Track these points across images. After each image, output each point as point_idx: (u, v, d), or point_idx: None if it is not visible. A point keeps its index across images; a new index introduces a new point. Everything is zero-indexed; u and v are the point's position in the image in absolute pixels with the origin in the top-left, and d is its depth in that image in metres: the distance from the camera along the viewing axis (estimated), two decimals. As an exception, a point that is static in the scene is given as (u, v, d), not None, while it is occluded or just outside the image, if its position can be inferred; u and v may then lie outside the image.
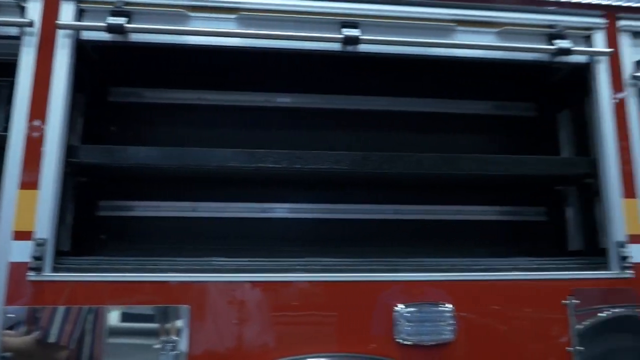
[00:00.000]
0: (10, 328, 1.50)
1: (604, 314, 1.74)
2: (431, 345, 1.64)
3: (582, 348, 1.70)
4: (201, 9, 1.81)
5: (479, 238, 2.36)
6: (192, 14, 1.80)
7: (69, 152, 1.68)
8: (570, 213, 2.23)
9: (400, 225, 2.30)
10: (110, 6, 1.74)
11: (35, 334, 1.51)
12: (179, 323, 1.56)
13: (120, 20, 1.71)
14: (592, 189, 1.98)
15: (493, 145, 2.47)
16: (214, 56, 1.89)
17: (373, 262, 1.73)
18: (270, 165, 1.79)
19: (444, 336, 1.64)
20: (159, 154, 1.80)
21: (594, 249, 1.97)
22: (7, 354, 1.48)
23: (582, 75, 2.00)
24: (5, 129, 1.65)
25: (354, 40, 1.81)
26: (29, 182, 1.60)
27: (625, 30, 2.01)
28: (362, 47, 1.85)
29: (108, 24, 1.70)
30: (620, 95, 1.93)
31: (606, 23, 2.00)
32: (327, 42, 1.82)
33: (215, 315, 1.59)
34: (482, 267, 1.75)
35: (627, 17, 2.02)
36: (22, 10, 1.71)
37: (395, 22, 1.89)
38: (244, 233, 2.16)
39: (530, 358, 1.72)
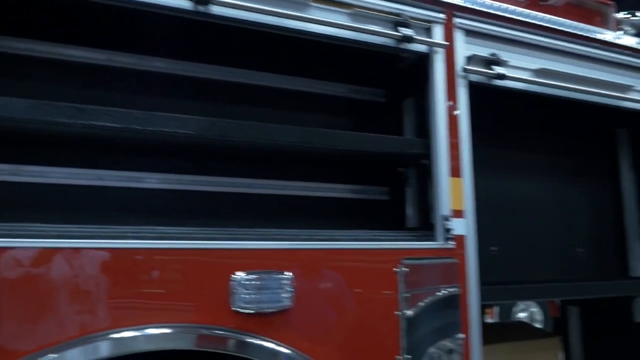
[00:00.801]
0: None
1: (429, 281, 1.91)
2: (269, 313, 1.63)
3: (408, 311, 1.84)
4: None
5: (327, 214, 2.45)
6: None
7: None
8: (409, 193, 2.41)
9: (252, 199, 2.28)
10: None
11: None
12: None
13: None
14: (427, 170, 2.16)
15: (346, 128, 2.56)
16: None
17: (212, 230, 1.68)
18: (105, 124, 1.64)
19: (281, 303, 1.65)
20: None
21: (427, 224, 2.15)
22: None
23: (424, 64, 2.18)
24: None
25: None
26: None
27: (459, 27, 2.23)
28: (215, 10, 1.78)
29: None
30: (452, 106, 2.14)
31: (444, 18, 2.20)
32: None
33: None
34: (322, 237, 1.81)
35: (462, 16, 2.24)
36: None
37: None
38: (74, 201, 1.96)
39: (364, 320, 1.81)
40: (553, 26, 2.44)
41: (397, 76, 2.47)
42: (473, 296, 1.99)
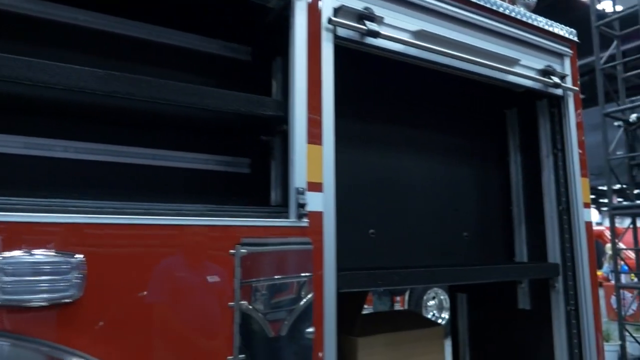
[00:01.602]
0: None
1: (274, 265, 1.60)
2: (42, 307, 1.25)
3: (245, 302, 1.52)
4: None
5: (185, 188, 2.08)
6: None
7: None
8: (274, 165, 2.09)
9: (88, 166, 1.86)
10: None
11: None
12: None
13: None
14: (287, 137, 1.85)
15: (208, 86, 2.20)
16: None
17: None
18: None
19: (62, 294, 1.26)
20: None
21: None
22: None
23: (287, 15, 1.86)
24: None
25: None
26: None
27: (329, -26, 1.93)
28: None
29: None
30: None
31: (310, -35, 1.89)
32: None
33: None
34: (127, 210, 1.43)
35: (333, -39, 1.95)
36: None
37: None
38: None
39: (188, 315, 1.47)
40: (437, -14, 2.22)
41: (264, 31, 2.14)
42: (329, 283, 1.71)
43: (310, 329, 1.63)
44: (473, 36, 2.34)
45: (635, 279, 8.63)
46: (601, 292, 5.55)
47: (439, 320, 10.21)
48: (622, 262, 7.64)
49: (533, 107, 2.87)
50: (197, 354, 1.46)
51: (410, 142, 2.66)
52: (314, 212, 1.71)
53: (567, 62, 2.76)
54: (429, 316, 10.82)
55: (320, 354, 1.64)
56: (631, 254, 8.29)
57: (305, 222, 1.68)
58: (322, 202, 1.73)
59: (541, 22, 2.65)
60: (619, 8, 7.55)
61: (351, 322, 2.56)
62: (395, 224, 2.51)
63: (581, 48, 2.89)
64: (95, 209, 1.38)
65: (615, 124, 7.34)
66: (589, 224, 2.66)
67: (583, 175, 2.69)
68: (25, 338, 1.21)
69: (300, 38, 1.81)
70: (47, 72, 1.41)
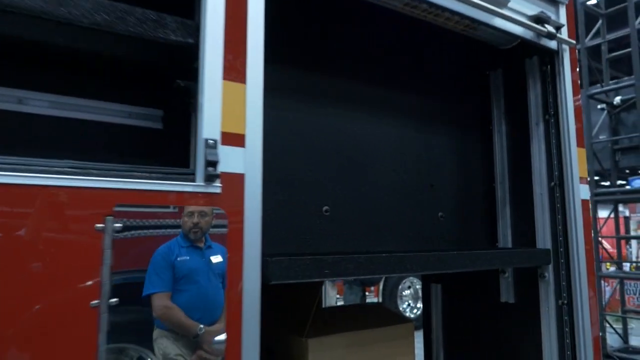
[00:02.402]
0: None
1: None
2: None
3: (115, 301, 1.03)
4: None
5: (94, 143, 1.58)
6: None
7: None
8: (194, 119, 1.60)
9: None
10: None
11: None
12: None
13: None
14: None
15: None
16: None
17: None
18: None
19: None
20: None
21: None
22: None
23: None
24: None
25: None
26: None
27: None
28: None
29: None
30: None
31: None
32: None
33: None
34: None
35: None
36: None
37: None
38: None
39: (33, 315, 0.98)
40: None
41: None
42: (251, 273, 1.23)
43: (220, 337, 1.15)
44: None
45: (611, 268, 8.42)
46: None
47: (415, 311, 9.90)
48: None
49: (521, 67, 2.43)
50: (40, 377, 0.98)
51: (377, 103, 2.19)
52: (231, 174, 1.23)
53: (563, 11, 2.32)
54: (404, 306, 10.51)
55: (234, 372, 1.17)
56: (606, 244, 8.07)
57: (216, 186, 1.20)
58: (243, 162, 1.25)
59: (534, -41, 2.20)
60: (605, -15, 7.19)
61: (302, 320, 2.11)
62: (356, 200, 2.05)
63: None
64: None
65: (599, 107, 7.02)
66: (585, 203, 2.24)
67: (579, 145, 2.27)
68: None
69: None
70: None
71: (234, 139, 1.24)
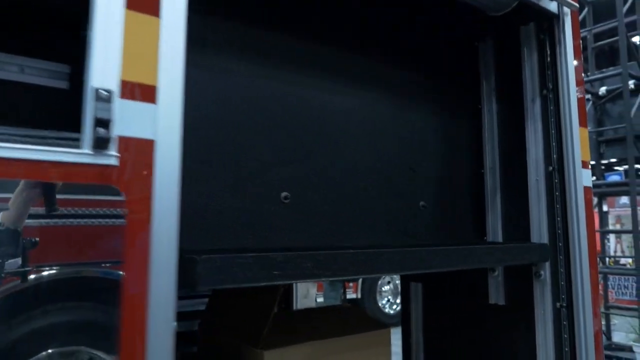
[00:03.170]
0: None
1: (16, 246, 0.76)
2: None
3: None
4: None
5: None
6: None
7: None
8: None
9: None
10: None
11: None
12: None
13: None
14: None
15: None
16: None
17: None
18: None
19: None
20: None
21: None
22: None
23: None
24: None
25: None
26: None
27: None
28: None
29: None
30: None
31: None
32: None
33: None
34: None
35: None
36: None
37: None
38: None
39: None
40: None
41: None
42: (163, 279, 0.88)
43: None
44: None
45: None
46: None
47: (394, 307, 9.68)
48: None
49: (515, 36, 2.13)
50: None
51: (349, 73, 1.85)
52: (135, 139, 0.87)
53: (563, -29, 2.01)
54: (384, 302, 10.28)
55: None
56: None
57: (110, 155, 0.85)
58: (153, 123, 0.90)
59: None
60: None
61: (259, 327, 1.78)
62: (322, 186, 1.71)
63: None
64: None
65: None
66: (588, 191, 1.94)
67: (582, 124, 1.97)
68: None
69: None
70: None
71: (141, 92, 0.89)
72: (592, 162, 6.51)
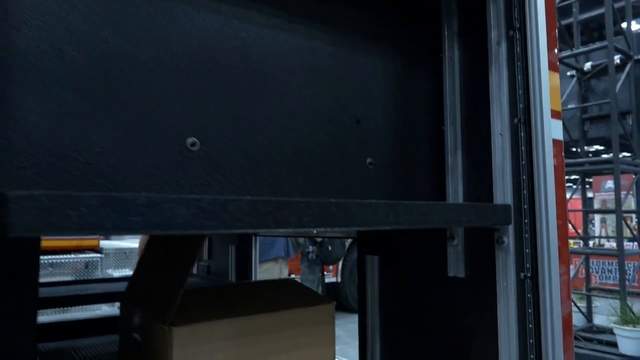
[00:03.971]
0: None
1: None
2: None
3: None
4: None
5: None
6: None
7: None
8: None
9: None
10: None
11: None
12: None
13: None
14: None
15: None
16: None
17: None
18: None
19: None
20: None
21: None
22: None
23: None
24: None
25: None
26: None
27: None
28: None
29: None
30: None
31: None
32: None
33: None
34: None
35: None
36: None
37: None
38: None
39: None
40: None
41: None
42: None
43: None
44: None
45: (575, 246, 8.14)
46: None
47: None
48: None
49: (480, -29, 1.85)
50: None
51: (284, 3, 1.56)
52: None
53: None
54: (364, 286, 10.04)
55: None
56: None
57: None
58: None
59: None
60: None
61: (169, 301, 1.51)
62: (242, 134, 1.43)
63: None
64: None
65: (568, 74, 6.58)
66: (558, 144, 1.69)
67: (552, 68, 1.71)
68: None
69: None
70: None
71: None
72: (576, 139, 6.30)
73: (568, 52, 6.22)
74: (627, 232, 6.65)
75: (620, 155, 5.39)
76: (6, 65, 1.04)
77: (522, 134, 1.69)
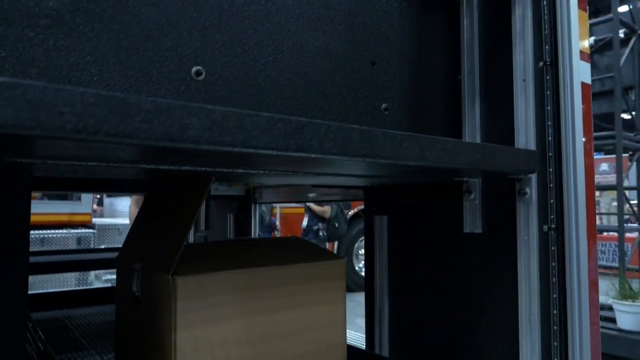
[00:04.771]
0: None
1: None
2: None
3: None
4: None
5: None
6: None
7: None
8: None
9: None
10: None
11: None
12: None
13: None
14: None
15: None
16: None
17: None
18: None
19: None
20: None
21: None
22: None
23: None
24: None
25: None
26: None
27: None
28: None
29: None
30: None
31: None
32: None
33: None
34: None
35: None
36: None
37: None
38: None
39: None
40: None
41: None
42: None
43: None
44: None
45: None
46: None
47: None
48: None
49: None
50: None
51: None
52: None
53: None
54: (360, 265, 10.08)
55: None
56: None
57: None
58: None
59: None
60: None
61: (170, 251, 1.40)
62: (249, 66, 1.31)
63: None
64: None
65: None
66: (587, 89, 1.59)
67: (581, 6, 1.59)
68: None
69: None
70: None
71: None
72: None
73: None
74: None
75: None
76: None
77: (548, 77, 1.58)
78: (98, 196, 11.77)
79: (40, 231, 6.62)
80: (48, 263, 2.85)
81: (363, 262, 9.18)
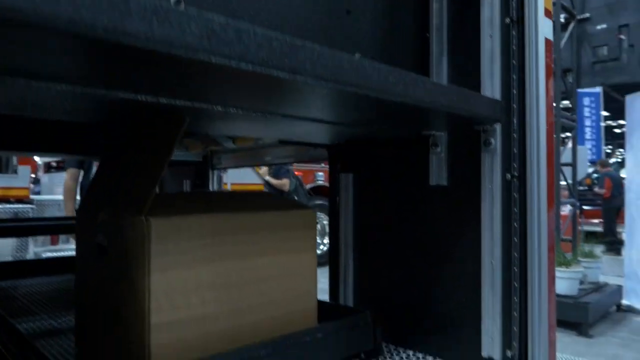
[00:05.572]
0: None
1: None
2: None
3: None
4: None
5: None
6: None
7: None
8: None
9: None
10: None
11: None
12: None
13: None
14: None
15: None
16: None
17: None
18: None
19: None
20: None
21: None
22: None
23: None
24: None
25: None
26: None
27: None
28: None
29: None
30: None
31: None
32: None
33: None
34: None
35: None
36: None
37: None
38: None
39: None
40: None
41: None
42: None
43: None
44: None
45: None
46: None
47: (321, 247, 9.56)
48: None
49: None
50: None
51: None
52: None
53: None
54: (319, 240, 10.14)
55: None
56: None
57: None
58: None
59: None
60: None
61: (142, 194, 1.35)
62: (229, 2, 1.27)
63: None
64: None
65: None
66: (549, 43, 1.67)
67: (547, -36, 1.66)
68: None
69: None
70: None
71: None
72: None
73: None
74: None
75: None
76: None
77: (514, 33, 1.64)
78: (33, 175, 11.08)
79: (-28, 206, 6.16)
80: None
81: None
